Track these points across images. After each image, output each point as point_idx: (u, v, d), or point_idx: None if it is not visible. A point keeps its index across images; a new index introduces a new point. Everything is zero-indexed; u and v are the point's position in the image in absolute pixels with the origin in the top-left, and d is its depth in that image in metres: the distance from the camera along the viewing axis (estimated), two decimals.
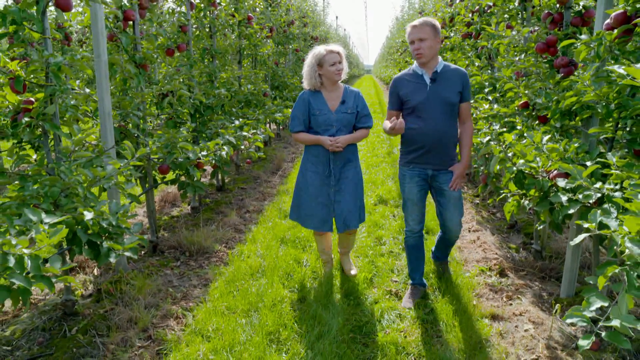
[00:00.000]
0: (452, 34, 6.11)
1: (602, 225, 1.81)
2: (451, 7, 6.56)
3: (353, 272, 3.33)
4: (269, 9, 7.89)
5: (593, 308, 1.60)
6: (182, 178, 3.75)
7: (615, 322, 1.53)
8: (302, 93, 3.13)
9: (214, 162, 3.84)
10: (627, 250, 1.58)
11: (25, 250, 1.67)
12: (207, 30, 5.12)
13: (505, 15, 4.37)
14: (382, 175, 6.24)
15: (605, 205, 1.88)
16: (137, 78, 3.33)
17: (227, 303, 2.95)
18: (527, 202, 2.77)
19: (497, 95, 4.10)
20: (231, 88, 5.43)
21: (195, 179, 3.66)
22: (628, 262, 1.59)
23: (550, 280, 3.35)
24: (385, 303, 2.97)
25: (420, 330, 2.70)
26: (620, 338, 1.52)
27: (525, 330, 2.74)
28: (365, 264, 3.51)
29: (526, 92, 3.40)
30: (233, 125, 4.55)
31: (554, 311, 2.75)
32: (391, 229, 4.29)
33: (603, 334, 1.58)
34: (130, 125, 3.51)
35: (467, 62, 5.19)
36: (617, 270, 1.64)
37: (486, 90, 4.22)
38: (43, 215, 1.98)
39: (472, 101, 2.85)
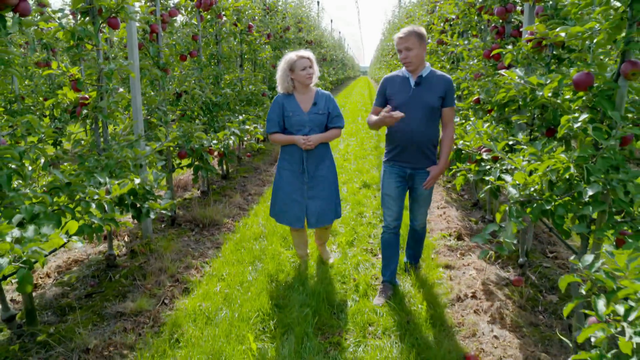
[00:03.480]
0: (429, 40, 6.90)
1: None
2: (430, 15, 7.36)
3: (331, 260, 3.59)
4: (267, 16, 8.67)
5: (488, 232, 2.37)
6: (196, 163, 4.52)
7: (501, 238, 2.31)
8: (277, 97, 3.28)
9: (222, 150, 4.62)
10: (509, 193, 2.37)
11: (107, 196, 2.44)
12: (214, 38, 5.89)
13: (468, 25, 5.16)
14: (368, 165, 7.03)
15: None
16: (161, 80, 4.10)
17: (236, 257, 3.72)
18: (471, 175, 3.56)
19: (459, 93, 4.89)
20: (235, 88, 6.20)
21: (208, 163, 4.43)
22: (511, 201, 2.37)
23: (498, 243, 4.13)
24: (361, 257, 3.76)
25: None
26: (503, 249, 2.30)
27: (470, 275, 3.53)
28: (348, 231, 4.29)
29: (477, 89, 4.19)
30: (237, 120, 5.33)
31: (487, 256, 3.54)
32: (371, 206, 5.07)
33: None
34: (155, 118, 4.29)
35: (440, 66, 5.99)
36: (506, 208, 2.42)
37: None
38: (107, 178, 2.76)
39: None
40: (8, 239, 1.87)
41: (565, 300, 3.13)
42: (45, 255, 1.94)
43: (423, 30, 2.95)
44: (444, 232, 4.37)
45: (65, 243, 2.03)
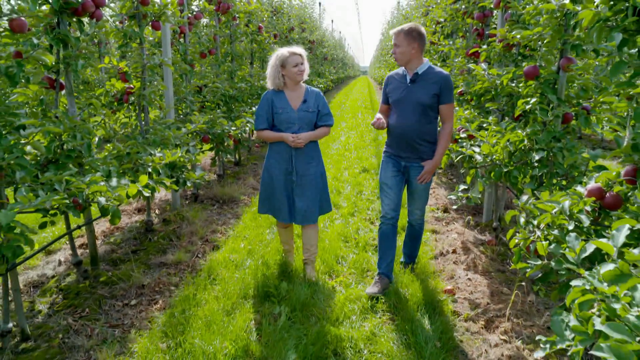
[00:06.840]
0: None
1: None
2: (424, 18, 8.03)
3: (313, 278, 3.33)
4: (274, 18, 9.34)
5: (460, 189, 3.05)
6: (218, 147, 5.19)
7: (470, 194, 2.98)
8: (266, 93, 3.19)
9: (239, 136, 5.29)
10: (477, 160, 3.04)
11: (162, 163, 3.11)
12: (229, 38, 6.56)
13: (455, 28, 5.84)
14: (367, 154, 7.72)
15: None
16: (189, 74, 4.76)
17: (255, 223, 4.40)
18: (453, 154, 4.23)
19: None
20: (247, 83, 6.88)
21: (227, 146, 5.10)
22: (477, 166, 3.05)
23: (479, 214, 4.81)
24: (361, 224, 4.43)
25: None
26: (471, 202, 2.97)
27: (452, 237, 4.20)
28: (350, 205, 4.97)
29: (461, 83, 4.87)
30: (251, 110, 6.00)
31: (466, 222, 4.22)
32: (369, 186, 5.75)
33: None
34: (183, 107, 4.95)
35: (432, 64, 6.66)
36: (475, 171, 3.10)
37: None
38: (156, 151, 3.43)
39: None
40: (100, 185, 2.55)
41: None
42: (128, 198, 2.62)
43: (417, 28, 2.93)
44: (433, 207, 5.04)
45: (138, 192, 2.68)
